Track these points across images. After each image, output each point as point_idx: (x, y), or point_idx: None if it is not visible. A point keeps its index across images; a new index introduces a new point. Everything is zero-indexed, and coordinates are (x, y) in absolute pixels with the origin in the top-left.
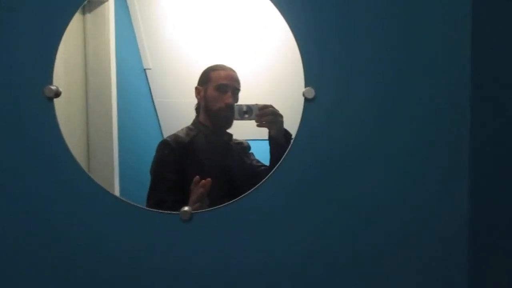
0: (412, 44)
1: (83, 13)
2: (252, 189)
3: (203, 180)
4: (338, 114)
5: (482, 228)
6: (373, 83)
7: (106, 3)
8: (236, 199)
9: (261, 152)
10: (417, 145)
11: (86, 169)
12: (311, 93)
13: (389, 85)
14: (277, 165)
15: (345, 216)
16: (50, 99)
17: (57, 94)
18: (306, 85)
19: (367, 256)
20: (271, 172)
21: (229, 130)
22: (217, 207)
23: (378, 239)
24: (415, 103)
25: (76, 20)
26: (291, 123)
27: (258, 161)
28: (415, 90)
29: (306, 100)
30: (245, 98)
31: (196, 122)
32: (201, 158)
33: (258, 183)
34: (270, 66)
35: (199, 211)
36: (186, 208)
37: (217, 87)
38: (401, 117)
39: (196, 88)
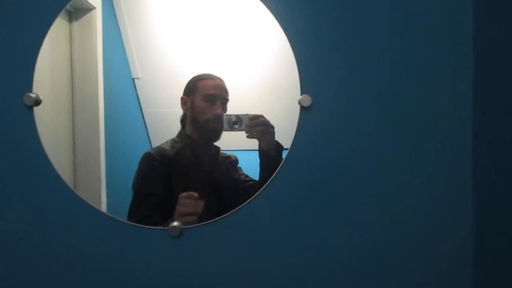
0: (411, 51)
1: (70, 21)
2: (244, 203)
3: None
4: (335, 123)
5: (488, 232)
6: (371, 90)
7: (93, 10)
8: (228, 213)
9: (250, 164)
10: (417, 155)
11: (72, 181)
12: (307, 101)
13: (388, 92)
14: (272, 176)
15: (341, 230)
16: (30, 108)
17: (38, 102)
18: (302, 92)
19: (364, 270)
20: (265, 185)
21: (216, 141)
22: (207, 222)
23: (375, 254)
24: (414, 111)
25: (63, 28)
26: (286, 132)
27: (246, 176)
28: (414, 98)
29: (302, 108)
30: (238, 108)
31: (181, 134)
32: (187, 172)
33: (246, 198)
34: (264, 74)
35: (188, 226)
36: (175, 224)
37: (205, 97)
38: (400, 125)
39: (182, 98)
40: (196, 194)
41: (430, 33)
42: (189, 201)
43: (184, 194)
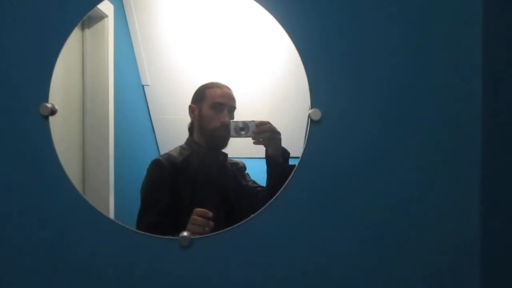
0: (421, 65)
1: (82, 28)
2: (255, 213)
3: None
4: (345, 136)
5: (495, 232)
6: (380, 104)
7: (105, 19)
8: (237, 224)
9: (258, 171)
10: (426, 166)
11: (81, 186)
12: (317, 115)
13: (397, 106)
14: (282, 187)
15: (351, 238)
16: (46, 118)
17: (53, 112)
18: (312, 106)
19: (376, 277)
20: (276, 196)
21: (224, 148)
22: (217, 232)
23: (385, 264)
24: (424, 123)
25: (75, 36)
26: (293, 140)
27: (254, 182)
28: (424, 110)
29: (312, 121)
30: (245, 116)
31: (190, 141)
32: (195, 178)
33: (255, 205)
34: (272, 84)
35: (199, 236)
36: (185, 234)
37: (213, 106)
38: (409, 138)
39: (190, 106)
40: (210, 214)
41: (439, 46)
42: (201, 219)
43: (198, 210)
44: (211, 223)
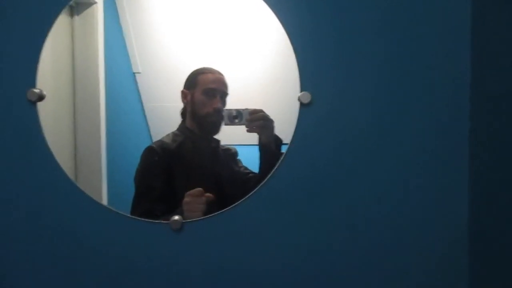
0: (410, 48)
1: (71, 15)
2: (245, 197)
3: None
4: (335, 119)
5: (483, 230)
6: (370, 87)
7: (94, 5)
8: (228, 208)
9: (251, 158)
10: (416, 150)
11: (73, 174)
12: (307, 98)
13: (387, 89)
14: (272, 171)
15: (340, 223)
16: (33, 103)
17: (41, 97)
18: (302, 89)
19: (364, 263)
20: (265, 180)
21: (216, 135)
22: (208, 216)
23: (375, 247)
24: (414, 107)
25: (64, 23)
26: (285, 127)
27: (246, 168)
28: (414, 94)
29: (302, 105)
30: (237, 102)
31: (182, 127)
32: (188, 165)
33: (247, 190)
34: (264, 69)
35: (189, 220)
36: (176, 217)
37: (205, 91)
38: (399, 122)
39: (182, 92)
40: (201, 189)
41: (428, 31)
42: (194, 198)
43: (190, 192)
44: (203, 198)
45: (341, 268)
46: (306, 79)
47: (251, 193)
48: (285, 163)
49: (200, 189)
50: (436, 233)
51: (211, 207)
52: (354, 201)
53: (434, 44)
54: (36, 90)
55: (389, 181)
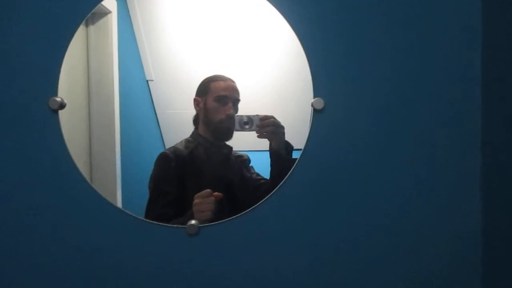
0: (421, 54)
1: (86, 25)
2: (259, 202)
3: (216, 193)
4: (348, 125)
5: (495, 230)
6: (382, 93)
7: (109, 14)
8: (243, 212)
9: (261, 164)
10: (428, 155)
11: (89, 180)
12: (320, 104)
13: (399, 94)
14: (285, 177)
15: (353, 229)
16: (55, 111)
17: (62, 106)
18: (315, 95)
19: (375, 269)
20: (280, 185)
21: (228, 141)
22: (223, 220)
23: (388, 253)
24: (425, 112)
25: (79, 32)
26: (296, 133)
27: (258, 175)
28: (425, 99)
29: (315, 110)
30: (249, 108)
31: (195, 134)
32: (201, 171)
33: (258, 196)
34: (275, 75)
35: (205, 225)
36: (193, 222)
37: (217, 98)
38: (412, 127)
39: (194, 99)
40: (209, 190)
41: (440, 36)
42: (203, 199)
43: (198, 194)
44: (212, 198)
45: (355, 274)
46: (319, 85)
47: (264, 198)
48: (299, 168)
49: (208, 190)
50: (450, 233)
51: (220, 206)
52: (368, 207)
53: (446, 51)
54: (57, 99)
55: (402, 187)
